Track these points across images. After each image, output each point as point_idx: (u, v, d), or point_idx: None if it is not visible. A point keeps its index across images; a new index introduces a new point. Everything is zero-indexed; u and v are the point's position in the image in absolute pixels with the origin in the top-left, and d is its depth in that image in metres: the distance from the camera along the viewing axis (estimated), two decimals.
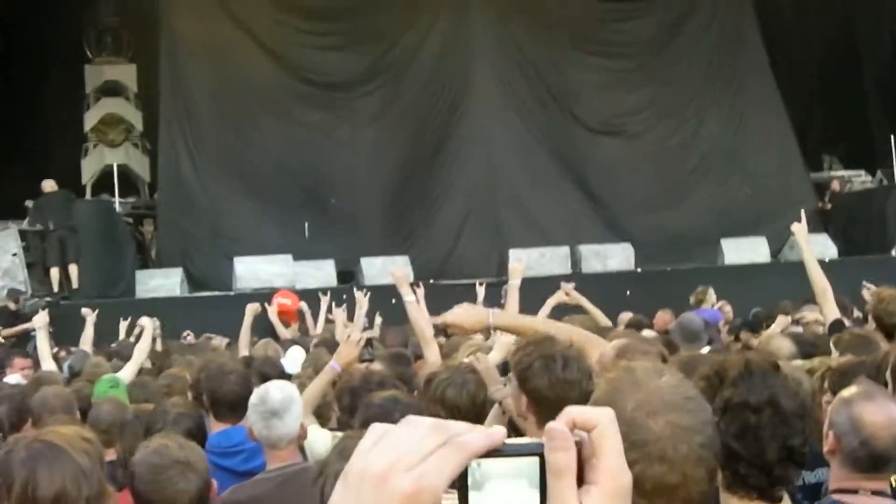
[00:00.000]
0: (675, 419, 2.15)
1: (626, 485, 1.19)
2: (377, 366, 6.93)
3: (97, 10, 22.89)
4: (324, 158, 20.76)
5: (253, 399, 4.61)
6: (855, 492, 3.55)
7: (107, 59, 23.12)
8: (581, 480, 1.17)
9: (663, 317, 11.03)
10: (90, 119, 22.79)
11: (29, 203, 18.46)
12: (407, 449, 1.11)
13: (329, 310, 11.96)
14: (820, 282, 6.78)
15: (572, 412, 1.20)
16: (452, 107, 21.16)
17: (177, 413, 4.92)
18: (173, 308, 15.95)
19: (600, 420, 1.19)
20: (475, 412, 4.48)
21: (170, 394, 6.13)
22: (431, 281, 15.53)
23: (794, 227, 7.08)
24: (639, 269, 18.03)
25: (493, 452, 1.13)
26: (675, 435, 2.14)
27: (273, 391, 4.56)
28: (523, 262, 7.58)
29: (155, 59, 20.92)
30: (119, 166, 21.43)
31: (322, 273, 18.05)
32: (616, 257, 18.82)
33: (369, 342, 7.20)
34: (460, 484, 1.12)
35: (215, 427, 5.17)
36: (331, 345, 8.16)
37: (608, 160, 21.60)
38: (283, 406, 4.45)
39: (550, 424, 1.18)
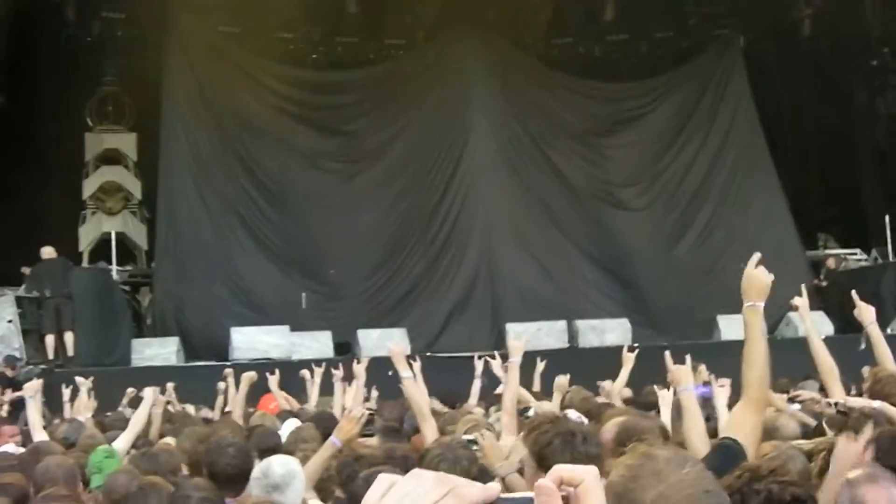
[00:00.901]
0: None
1: None
2: (375, 440, 6.90)
3: (99, 78, 23.06)
4: (322, 229, 20.84)
5: (255, 473, 4.59)
6: None
7: (107, 128, 23.26)
8: None
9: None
10: (89, 186, 22.87)
11: (26, 270, 18.46)
12: (414, 499, 1.19)
13: (323, 381, 11.90)
14: (826, 360, 6.61)
15: (561, 470, 1.32)
16: (450, 180, 21.33)
17: (200, 497, 4.64)
18: (169, 377, 15.78)
19: (585, 477, 1.32)
20: None
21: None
22: (428, 354, 15.50)
23: (796, 300, 6.93)
24: (636, 345, 18.00)
25: None
26: None
27: (275, 465, 4.54)
28: (523, 339, 7.57)
29: (155, 128, 21.06)
30: (117, 234, 21.49)
31: (319, 344, 18.03)
32: (613, 332, 18.83)
33: (371, 418, 7.15)
34: None
35: None
36: (321, 420, 8.11)
37: (607, 235, 21.75)
38: (285, 480, 4.44)
39: (539, 481, 1.29)
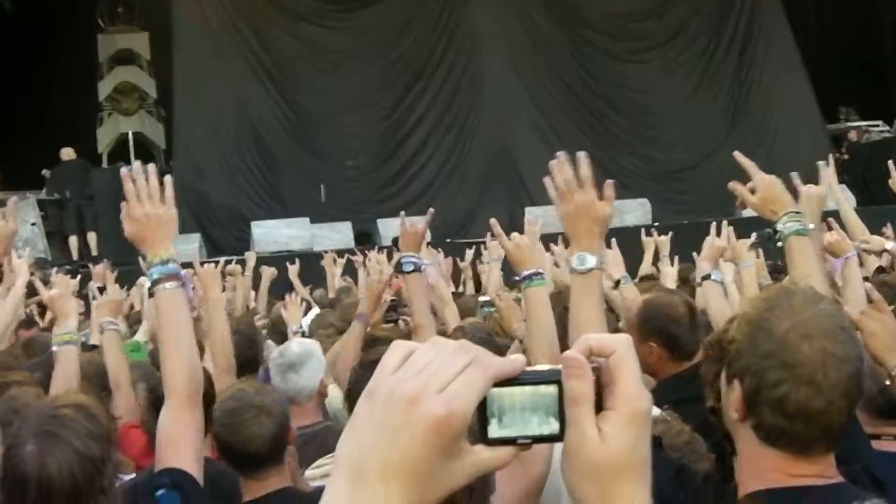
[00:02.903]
0: (829, 346, 2.13)
1: (643, 409, 1.19)
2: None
3: None
4: (338, 120, 20.77)
5: (273, 353, 4.59)
6: (877, 437, 3.52)
7: (119, 28, 23.15)
8: (600, 406, 1.18)
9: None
10: (104, 88, 22.83)
11: (46, 173, 18.54)
12: (435, 369, 1.10)
13: (343, 272, 11.95)
14: (858, 225, 6.34)
15: (590, 339, 1.20)
16: (465, 67, 21.14)
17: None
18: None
19: (617, 346, 1.20)
20: None
21: None
22: (448, 240, 15.53)
23: (822, 168, 6.68)
24: (656, 224, 17.95)
25: (512, 381, 1.13)
26: (827, 361, 2.12)
27: (293, 345, 4.55)
28: (539, 222, 7.50)
29: (167, 26, 20.88)
30: (134, 134, 21.53)
31: (339, 235, 18.06)
32: (633, 212, 18.74)
33: (394, 304, 7.15)
34: (479, 414, 1.12)
35: None
36: (342, 307, 8.14)
37: (624, 116, 21.60)
38: (300, 359, 4.42)
39: (566, 353, 1.18)
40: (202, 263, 5.89)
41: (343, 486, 1.09)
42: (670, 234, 8.88)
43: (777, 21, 22.25)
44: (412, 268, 4.91)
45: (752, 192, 3.63)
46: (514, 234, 3.79)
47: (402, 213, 5.50)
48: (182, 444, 3.16)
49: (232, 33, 20.82)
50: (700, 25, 22.35)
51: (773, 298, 2.26)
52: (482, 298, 7.05)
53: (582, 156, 3.25)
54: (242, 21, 20.85)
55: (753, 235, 5.67)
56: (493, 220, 4.19)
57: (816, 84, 22.00)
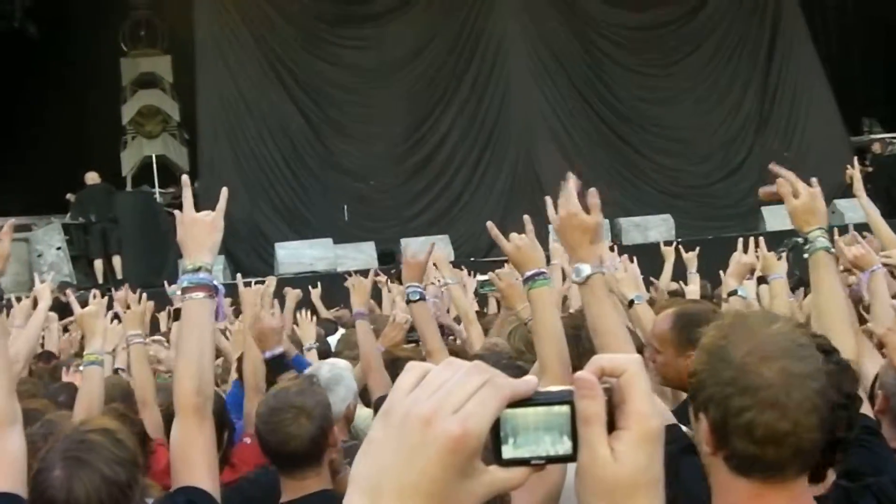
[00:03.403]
0: (789, 365, 2.10)
1: (655, 429, 1.20)
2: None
3: (129, 2, 23.01)
4: (361, 139, 20.85)
5: (305, 374, 4.63)
6: None
7: (141, 52, 23.27)
8: (613, 426, 1.19)
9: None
10: (127, 112, 22.96)
11: (70, 197, 18.67)
12: (450, 389, 1.11)
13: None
14: (888, 233, 6.16)
15: (601, 360, 1.22)
16: (487, 80, 21.18)
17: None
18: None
19: (629, 366, 1.21)
20: None
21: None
22: (472, 259, 15.54)
23: (850, 175, 6.56)
24: (679, 240, 17.95)
25: (525, 402, 1.14)
26: (789, 381, 2.07)
27: (323, 369, 4.58)
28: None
29: (189, 49, 21.00)
30: (158, 157, 21.64)
31: (363, 255, 18.09)
32: (656, 228, 18.71)
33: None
34: (493, 435, 1.13)
35: None
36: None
37: (645, 130, 21.58)
38: (328, 385, 4.45)
39: (579, 373, 1.19)
40: (246, 285, 6.00)
41: (359, 501, 1.10)
42: (697, 249, 8.86)
43: (799, 33, 22.21)
44: (417, 297, 5.03)
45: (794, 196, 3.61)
46: (514, 235, 3.77)
47: (403, 241, 5.63)
48: (193, 459, 3.15)
49: (254, 54, 20.92)
50: (722, 38, 22.32)
51: (727, 325, 2.21)
52: (480, 278, 7.05)
53: (569, 175, 3.40)
54: (264, 41, 20.94)
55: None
56: (489, 223, 4.23)
57: (840, 96, 21.94)
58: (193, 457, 3.15)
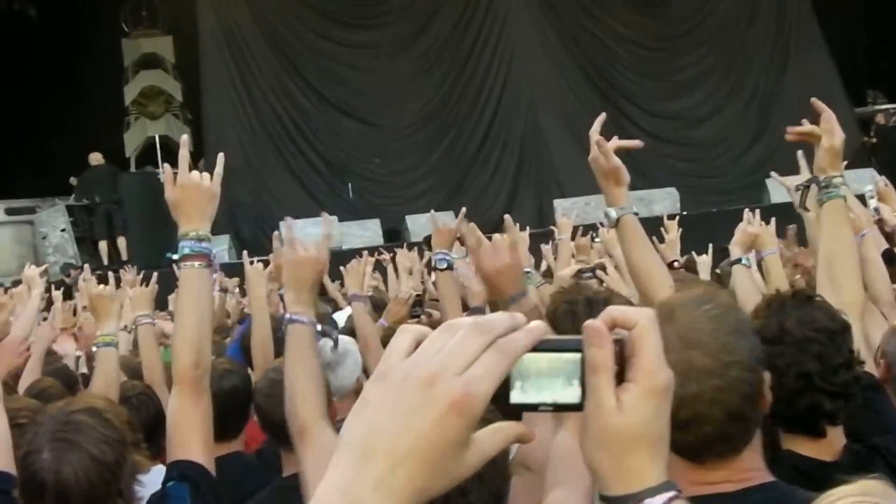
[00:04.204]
0: (688, 357, 2.06)
1: (663, 383, 1.19)
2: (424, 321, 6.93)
3: None
4: (365, 119, 20.80)
5: None
6: None
7: (143, 32, 23.22)
8: (622, 378, 1.18)
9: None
10: (130, 92, 22.95)
11: (74, 179, 18.66)
12: (452, 351, 1.07)
13: (374, 268, 11.91)
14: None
15: (613, 311, 1.20)
16: (490, 58, 21.12)
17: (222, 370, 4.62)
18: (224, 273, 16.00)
19: (640, 319, 1.19)
20: None
21: None
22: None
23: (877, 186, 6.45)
24: (685, 213, 17.92)
25: (534, 348, 1.11)
26: (685, 373, 1.98)
27: (330, 344, 4.56)
28: (572, 215, 7.42)
29: (191, 29, 20.96)
30: (161, 138, 21.60)
31: (368, 233, 18.08)
32: (662, 202, 18.67)
33: (419, 299, 7.14)
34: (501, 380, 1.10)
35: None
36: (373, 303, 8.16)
37: (650, 104, 21.52)
38: (337, 359, 4.43)
39: (588, 322, 1.17)
40: (251, 262, 5.98)
41: (349, 462, 1.06)
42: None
43: (803, 5, 22.11)
44: (445, 265, 4.80)
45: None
46: (496, 235, 3.65)
47: (432, 211, 5.50)
48: (188, 433, 3.15)
49: (257, 34, 20.86)
50: (727, 12, 22.22)
51: (663, 303, 2.20)
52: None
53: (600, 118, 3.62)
54: (268, 22, 20.88)
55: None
56: (470, 223, 4.13)
57: (843, 68, 21.86)
58: (189, 430, 3.15)
